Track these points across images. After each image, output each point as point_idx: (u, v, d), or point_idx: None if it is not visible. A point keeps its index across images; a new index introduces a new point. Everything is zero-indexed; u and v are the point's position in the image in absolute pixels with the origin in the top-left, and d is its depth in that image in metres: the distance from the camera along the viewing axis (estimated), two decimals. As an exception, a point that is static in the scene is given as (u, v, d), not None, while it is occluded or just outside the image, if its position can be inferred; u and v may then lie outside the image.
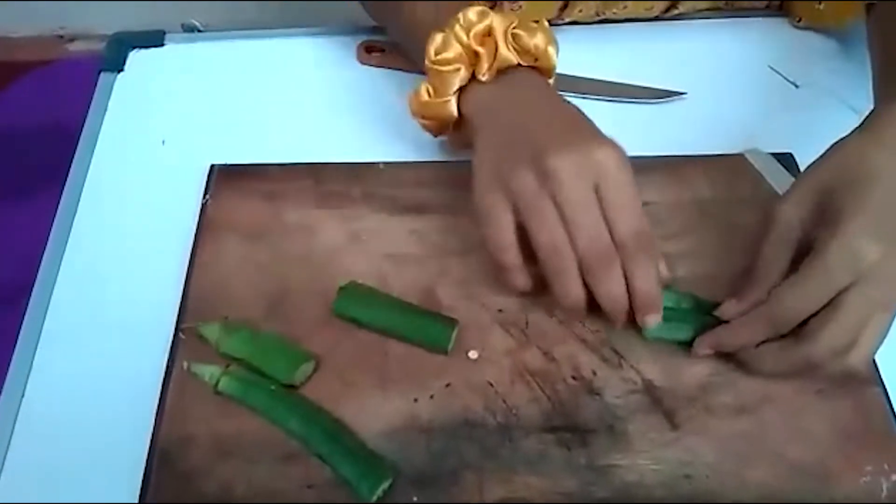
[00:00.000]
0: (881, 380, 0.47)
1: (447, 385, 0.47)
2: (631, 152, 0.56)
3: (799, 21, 0.65)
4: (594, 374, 0.48)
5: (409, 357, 0.48)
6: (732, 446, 0.45)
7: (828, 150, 0.45)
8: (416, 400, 0.47)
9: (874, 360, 0.47)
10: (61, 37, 1.66)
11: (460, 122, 0.52)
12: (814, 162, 0.45)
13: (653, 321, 0.46)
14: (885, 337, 0.43)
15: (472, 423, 0.46)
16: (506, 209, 0.45)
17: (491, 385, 0.47)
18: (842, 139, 0.45)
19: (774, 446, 0.45)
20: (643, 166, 0.55)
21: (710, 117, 0.60)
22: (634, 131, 0.58)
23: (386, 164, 0.57)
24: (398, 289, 0.51)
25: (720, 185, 0.55)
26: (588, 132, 0.47)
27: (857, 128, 0.45)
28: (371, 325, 0.49)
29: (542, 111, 0.48)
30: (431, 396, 0.47)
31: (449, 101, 0.50)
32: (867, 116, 0.45)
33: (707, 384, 0.47)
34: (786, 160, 0.56)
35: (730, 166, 0.56)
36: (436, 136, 0.55)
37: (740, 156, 0.56)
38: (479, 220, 0.47)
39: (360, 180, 0.56)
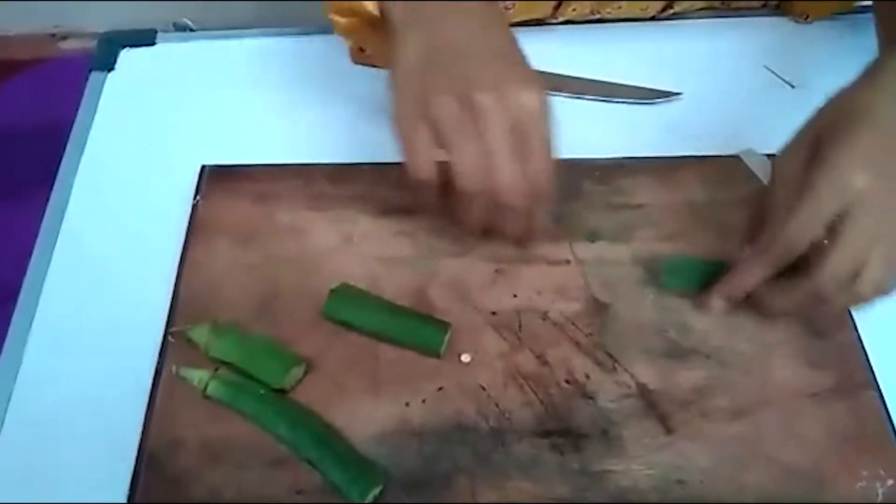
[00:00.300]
0: (877, 384, 0.47)
1: (439, 389, 0.47)
2: (624, 153, 0.57)
3: (806, 18, 0.65)
4: (587, 377, 0.47)
5: (401, 360, 0.48)
6: (727, 450, 0.44)
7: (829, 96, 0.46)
8: (407, 404, 0.46)
9: (870, 364, 0.47)
10: (54, 35, 1.65)
11: (381, 27, 0.49)
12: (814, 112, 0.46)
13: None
14: (888, 274, 0.43)
15: (465, 427, 0.45)
16: (425, 133, 0.45)
17: (483, 389, 0.47)
18: (840, 88, 0.46)
19: (769, 450, 0.44)
20: (636, 168, 0.56)
21: (704, 118, 0.59)
22: (628, 132, 0.59)
23: (375, 164, 0.57)
24: (390, 291, 0.51)
25: (714, 187, 0.55)
26: (517, 68, 0.46)
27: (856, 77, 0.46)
28: (362, 327, 0.48)
29: (473, 33, 0.46)
30: (423, 400, 0.46)
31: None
32: (867, 66, 0.46)
33: (702, 387, 0.47)
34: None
35: (724, 168, 0.56)
36: (357, 50, 0.51)
37: (735, 157, 0.56)
38: (397, 139, 0.46)
39: (351, 181, 0.56)
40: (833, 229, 0.42)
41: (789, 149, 0.46)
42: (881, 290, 0.44)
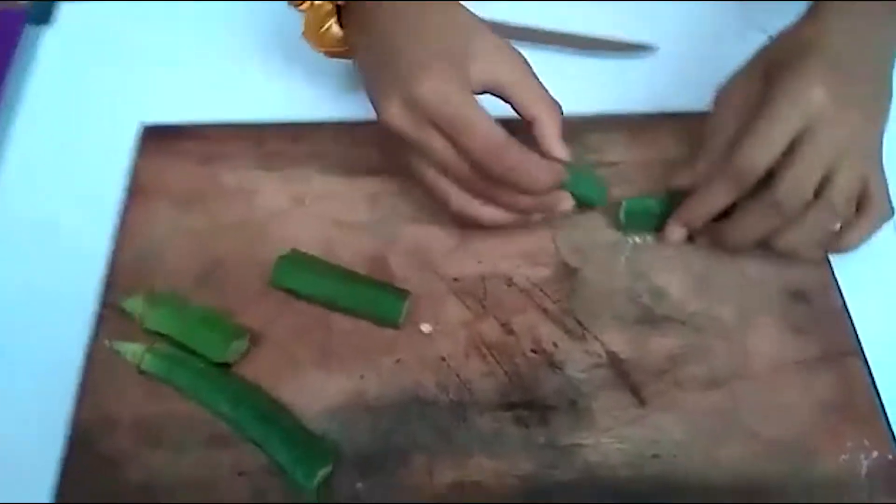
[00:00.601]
0: (862, 350, 0.44)
1: (397, 361, 0.43)
2: (597, 109, 0.53)
3: None
4: (555, 346, 0.44)
5: (356, 331, 0.44)
6: (703, 423, 0.42)
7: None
8: (362, 377, 0.43)
9: (855, 331, 0.44)
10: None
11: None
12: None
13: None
14: (859, 185, 0.42)
15: (423, 400, 0.42)
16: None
17: (444, 360, 0.44)
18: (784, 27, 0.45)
19: (749, 422, 0.42)
20: (609, 124, 0.52)
21: (681, 73, 0.56)
22: (602, 87, 0.55)
23: (335, 121, 0.53)
24: (345, 257, 0.47)
25: (691, 145, 0.51)
26: (455, 48, 0.42)
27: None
28: (313, 296, 0.44)
29: (411, 21, 0.43)
30: (379, 373, 0.43)
31: (329, 26, 0.48)
32: (809, 6, 0.45)
33: (677, 356, 0.44)
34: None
35: (701, 125, 0.52)
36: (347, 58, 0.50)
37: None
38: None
39: (306, 139, 0.52)
40: (793, 148, 0.40)
41: (736, 80, 0.45)
42: (850, 202, 0.42)
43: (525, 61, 0.44)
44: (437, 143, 0.41)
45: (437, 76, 0.40)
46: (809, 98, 0.40)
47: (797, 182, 0.40)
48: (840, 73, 0.41)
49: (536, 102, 0.43)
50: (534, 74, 0.44)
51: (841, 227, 0.43)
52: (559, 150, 0.44)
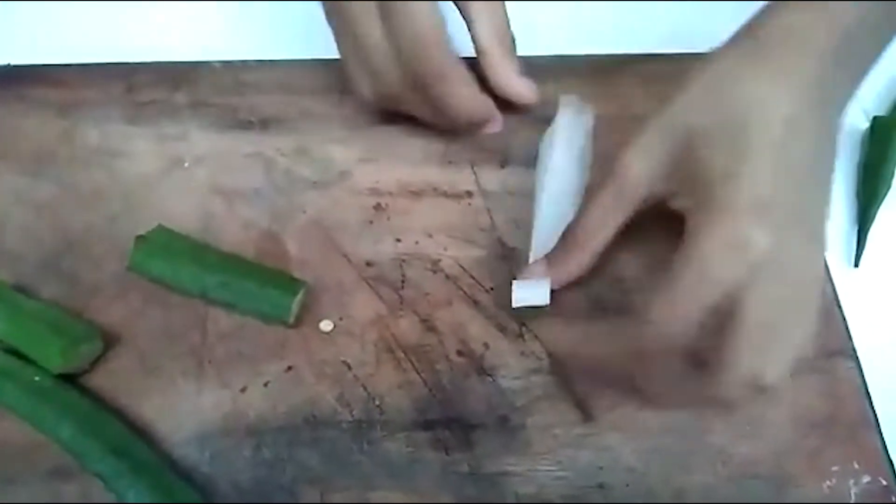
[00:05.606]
0: (854, 351, 0.36)
1: (288, 369, 0.35)
2: (547, 52, 0.44)
3: None
4: (486, 347, 0.36)
5: (237, 331, 0.36)
6: (663, 444, 0.34)
7: (693, 68, 0.32)
8: (243, 390, 0.35)
9: (847, 328, 0.37)
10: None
11: None
12: (672, 90, 0.32)
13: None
14: (808, 343, 0.30)
15: (319, 420, 0.34)
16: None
17: (348, 367, 0.35)
18: (711, 53, 0.32)
19: (717, 442, 0.34)
20: (563, 69, 0.43)
21: (647, 9, 0.46)
22: (555, 27, 0.46)
23: (223, 63, 0.43)
24: (229, 235, 0.38)
25: (661, 94, 0.42)
26: None
27: (732, 36, 0.32)
28: (183, 287, 0.36)
29: None
30: (265, 384, 0.35)
31: None
32: (748, 22, 0.32)
33: (633, 360, 0.36)
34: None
35: (675, 71, 0.43)
36: None
37: (686, 56, 0.44)
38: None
39: (187, 85, 0.42)
40: (724, 309, 0.28)
41: (641, 146, 0.33)
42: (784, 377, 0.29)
43: None
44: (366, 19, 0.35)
45: None
46: (750, 244, 0.28)
47: (740, 365, 0.28)
48: (791, 172, 0.29)
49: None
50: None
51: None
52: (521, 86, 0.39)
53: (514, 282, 0.36)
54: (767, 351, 0.28)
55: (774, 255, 0.28)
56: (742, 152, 0.29)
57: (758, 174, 0.29)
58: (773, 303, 0.28)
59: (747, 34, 0.32)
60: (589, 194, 0.36)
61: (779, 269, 0.28)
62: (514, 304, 0.36)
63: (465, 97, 0.37)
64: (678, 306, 0.28)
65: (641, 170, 0.33)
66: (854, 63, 0.32)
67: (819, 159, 0.31)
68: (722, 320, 0.28)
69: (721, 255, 0.28)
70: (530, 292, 0.36)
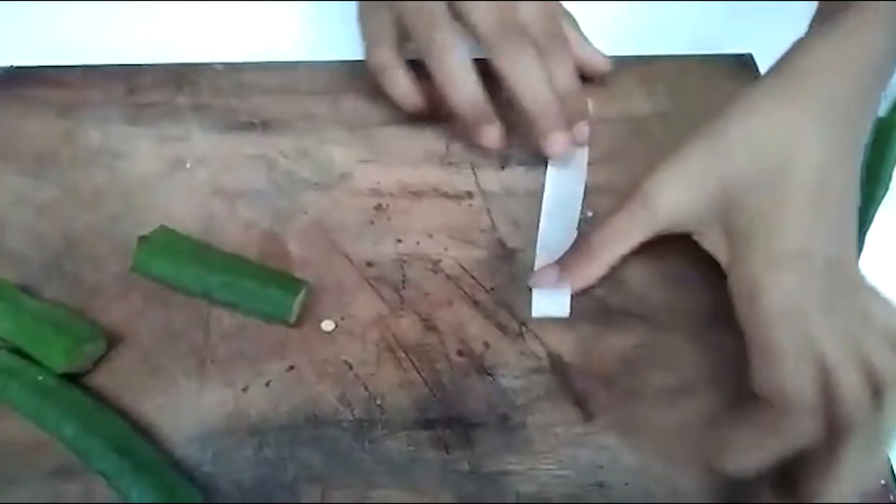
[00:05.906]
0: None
1: (289, 368, 0.35)
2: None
3: None
4: (486, 346, 0.36)
5: (239, 331, 0.36)
6: (663, 444, 0.34)
7: (732, 108, 0.32)
8: (245, 389, 0.35)
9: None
10: None
11: None
12: (709, 130, 0.33)
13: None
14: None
15: (321, 419, 0.34)
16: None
17: (350, 366, 0.36)
18: (749, 92, 0.32)
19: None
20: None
21: (654, 12, 0.46)
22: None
23: (225, 64, 0.43)
24: (231, 235, 0.38)
25: (661, 97, 0.43)
26: None
27: (767, 72, 0.33)
28: (185, 287, 0.36)
29: None
30: (267, 384, 0.35)
31: None
32: (782, 57, 0.33)
33: (632, 359, 0.36)
34: (744, 62, 0.43)
35: (674, 72, 0.44)
36: None
37: (687, 57, 0.44)
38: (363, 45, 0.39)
39: (189, 86, 0.42)
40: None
41: (674, 185, 0.33)
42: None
43: None
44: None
45: None
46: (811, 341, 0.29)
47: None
48: (824, 220, 0.31)
49: None
50: None
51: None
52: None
53: (534, 291, 0.36)
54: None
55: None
56: (781, 201, 0.30)
57: (798, 224, 0.30)
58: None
59: (783, 71, 0.32)
60: (609, 210, 0.36)
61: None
62: (534, 315, 0.36)
63: (461, 76, 0.37)
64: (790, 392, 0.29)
65: (670, 201, 0.33)
66: (879, 89, 0.33)
67: (848, 195, 0.32)
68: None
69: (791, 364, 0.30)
70: (550, 303, 0.36)
